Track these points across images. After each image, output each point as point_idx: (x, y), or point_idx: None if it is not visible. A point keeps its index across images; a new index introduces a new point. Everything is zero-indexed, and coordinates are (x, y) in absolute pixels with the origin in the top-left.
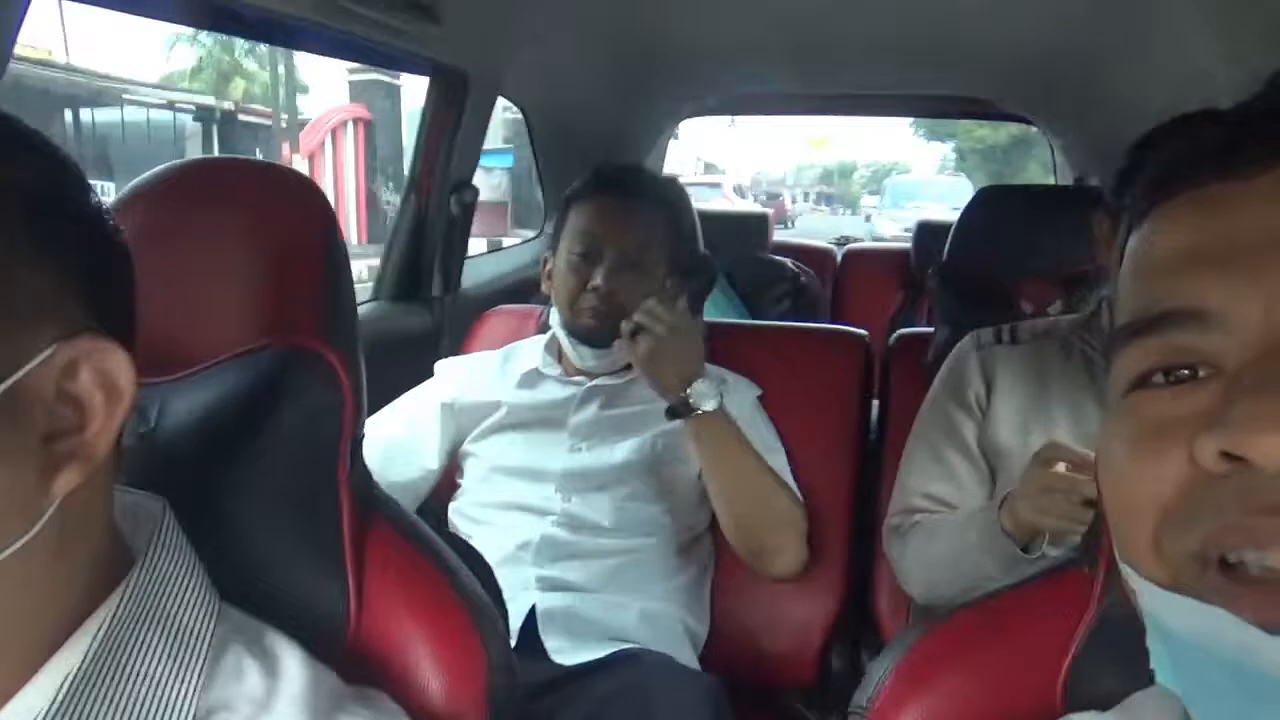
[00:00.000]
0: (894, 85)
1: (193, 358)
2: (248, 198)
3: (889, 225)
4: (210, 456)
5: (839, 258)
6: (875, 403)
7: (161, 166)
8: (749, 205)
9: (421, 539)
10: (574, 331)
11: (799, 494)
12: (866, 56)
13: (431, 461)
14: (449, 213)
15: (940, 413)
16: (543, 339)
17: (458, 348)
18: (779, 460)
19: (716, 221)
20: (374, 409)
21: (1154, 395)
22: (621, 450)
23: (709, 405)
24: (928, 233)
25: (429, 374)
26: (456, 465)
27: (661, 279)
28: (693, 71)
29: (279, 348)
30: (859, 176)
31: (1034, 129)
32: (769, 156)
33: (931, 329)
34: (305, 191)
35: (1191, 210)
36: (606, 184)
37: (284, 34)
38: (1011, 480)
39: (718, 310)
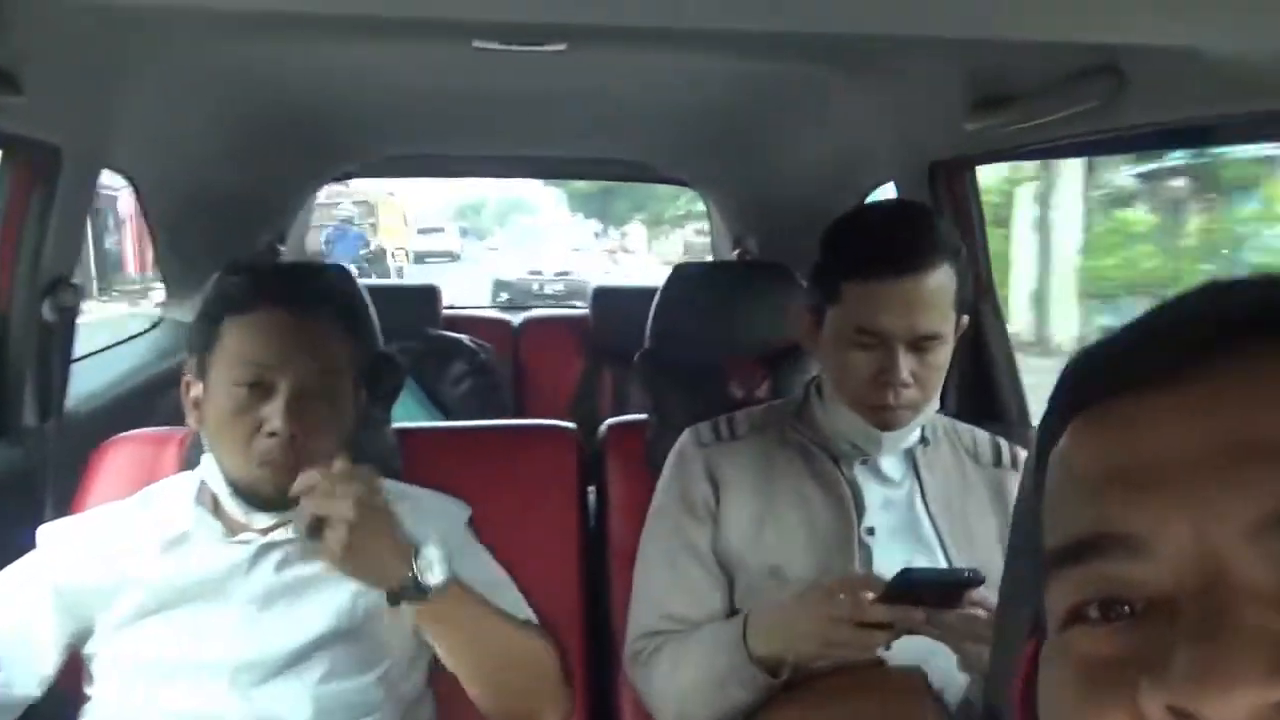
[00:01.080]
0: (548, 148)
1: None
2: None
3: (513, 267)
4: None
5: (516, 326)
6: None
7: None
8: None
9: None
10: (247, 492)
11: (528, 612)
12: (518, 121)
13: (45, 666)
14: (41, 319)
15: (670, 522)
16: (189, 481)
17: (69, 495)
18: (510, 596)
19: (382, 297)
20: None
21: (1090, 633)
22: (314, 620)
23: (437, 579)
24: (605, 298)
25: (31, 535)
26: (82, 666)
27: (353, 404)
28: (334, 136)
29: None
30: (489, 212)
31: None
32: (412, 192)
33: (644, 416)
34: None
35: (1108, 427)
36: (273, 295)
37: None
38: (751, 587)
39: (404, 410)
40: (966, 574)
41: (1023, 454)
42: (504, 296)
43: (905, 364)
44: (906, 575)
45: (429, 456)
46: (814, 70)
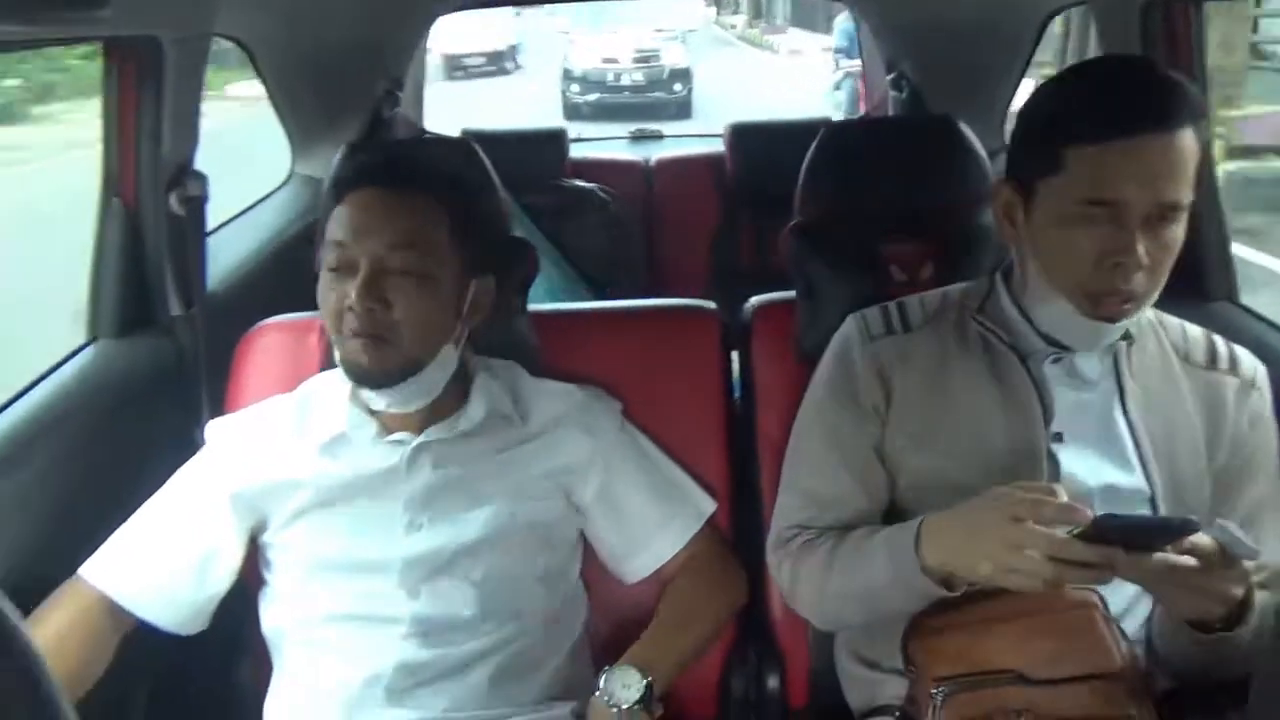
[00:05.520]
0: None
1: None
2: None
3: (587, 56)
4: None
5: (647, 169)
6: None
7: None
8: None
9: None
10: (353, 369)
11: (703, 502)
12: None
13: (233, 559)
14: (170, 211)
15: (831, 418)
16: (343, 381)
17: (221, 385)
18: (673, 474)
19: (505, 146)
20: (121, 495)
21: None
22: (474, 524)
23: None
24: (741, 135)
25: (184, 425)
26: (259, 553)
27: (458, 289)
28: None
29: None
30: None
31: None
32: None
33: (791, 294)
34: None
35: None
36: (369, 173)
37: None
38: (916, 492)
39: (547, 285)
40: (1177, 523)
41: (1243, 354)
42: (574, 89)
43: (1141, 242)
44: (1110, 520)
45: (566, 341)
46: None
